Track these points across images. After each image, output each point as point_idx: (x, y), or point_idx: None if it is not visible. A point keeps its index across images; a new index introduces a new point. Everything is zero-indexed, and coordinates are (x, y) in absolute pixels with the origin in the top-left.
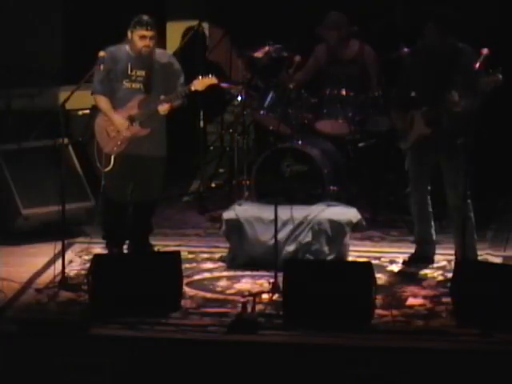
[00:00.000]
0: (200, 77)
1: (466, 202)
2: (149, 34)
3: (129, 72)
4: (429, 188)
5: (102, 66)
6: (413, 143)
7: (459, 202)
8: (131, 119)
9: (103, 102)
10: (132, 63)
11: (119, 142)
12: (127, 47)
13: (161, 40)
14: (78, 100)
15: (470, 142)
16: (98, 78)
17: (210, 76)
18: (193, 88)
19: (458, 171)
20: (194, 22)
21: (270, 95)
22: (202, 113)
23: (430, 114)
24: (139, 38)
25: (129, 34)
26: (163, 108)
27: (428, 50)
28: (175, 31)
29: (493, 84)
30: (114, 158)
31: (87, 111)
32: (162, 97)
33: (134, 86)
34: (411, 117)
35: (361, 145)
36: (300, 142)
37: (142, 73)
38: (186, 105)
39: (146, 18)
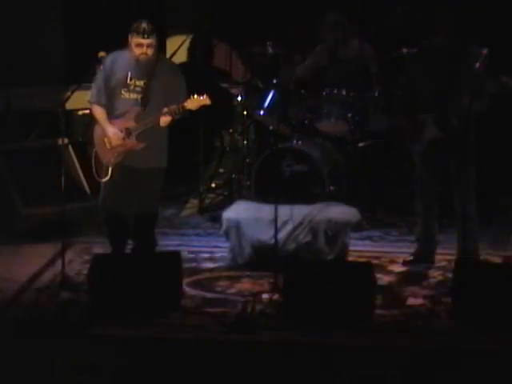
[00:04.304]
0: (194, 96)
1: (472, 204)
2: (146, 41)
3: (127, 81)
4: (437, 188)
5: (102, 67)
6: (425, 145)
7: (465, 202)
8: (128, 132)
9: (99, 112)
10: (131, 72)
11: (116, 154)
12: (127, 53)
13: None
14: (78, 100)
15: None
16: (97, 85)
17: (204, 96)
18: (186, 107)
19: (466, 172)
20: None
21: (270, 95)
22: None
23: (442, 117)
24: (136, 46)
25: (129, 39)
26: (165, 119)
27: (434, 51)
28: (175, 46)
29: (506, 87)
30: (112, 169)
31: (87, 111)
32: (165, 109)
33: (131, 95)
34: (421, 120)
35: (361, 145)
36: (300, 142)
37: (140, 83)
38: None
39: (144, 24)
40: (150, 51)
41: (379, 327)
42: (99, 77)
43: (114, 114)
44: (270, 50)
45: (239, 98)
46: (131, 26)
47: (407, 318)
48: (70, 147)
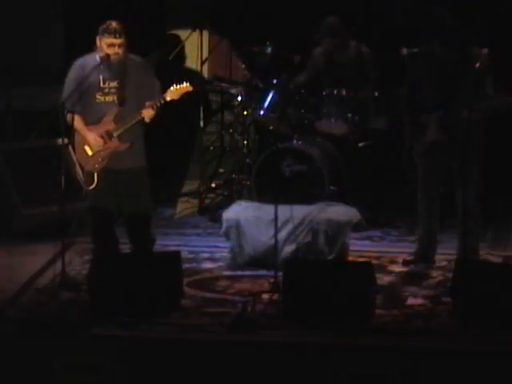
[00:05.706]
0: (174, 85)
1: (476, 203)
2: (117, 41)
3: (101, 84)
4: (440, 189)
5: (69, 74)
6: (427, 146)
7: (469, 202)
8: (109, 134)
9: (76, 121)
10: (103, 75)
11: (100, 159)
12: (97, 57)
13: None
14: None
15: (480, 144)
16: (70, 93)
17: (185, 84)
18: (168, 98)
19: (469, 173)
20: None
21: (270, 95)
22: (201, 113)
23: (445, 119)
24: (107, 46)
25: (97, 41)
26: (148, 114)
27: (433, 55)
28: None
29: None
30: (97, 175)
31: None
32: (147, 103)
33: (107, 98)
34: (425, 121)
35: (361, 145)
36: (300, 142)
37: (114, 84)
38: (185, 105)
39: (114, 24)
40: (121, 51)
41: (379, 327)
42: (70, 85)
43: (91, 119)
44: (270, 50)
45: (239, 98)
46: (100, 28)
47: (407, 318)
48: (70, 147)
